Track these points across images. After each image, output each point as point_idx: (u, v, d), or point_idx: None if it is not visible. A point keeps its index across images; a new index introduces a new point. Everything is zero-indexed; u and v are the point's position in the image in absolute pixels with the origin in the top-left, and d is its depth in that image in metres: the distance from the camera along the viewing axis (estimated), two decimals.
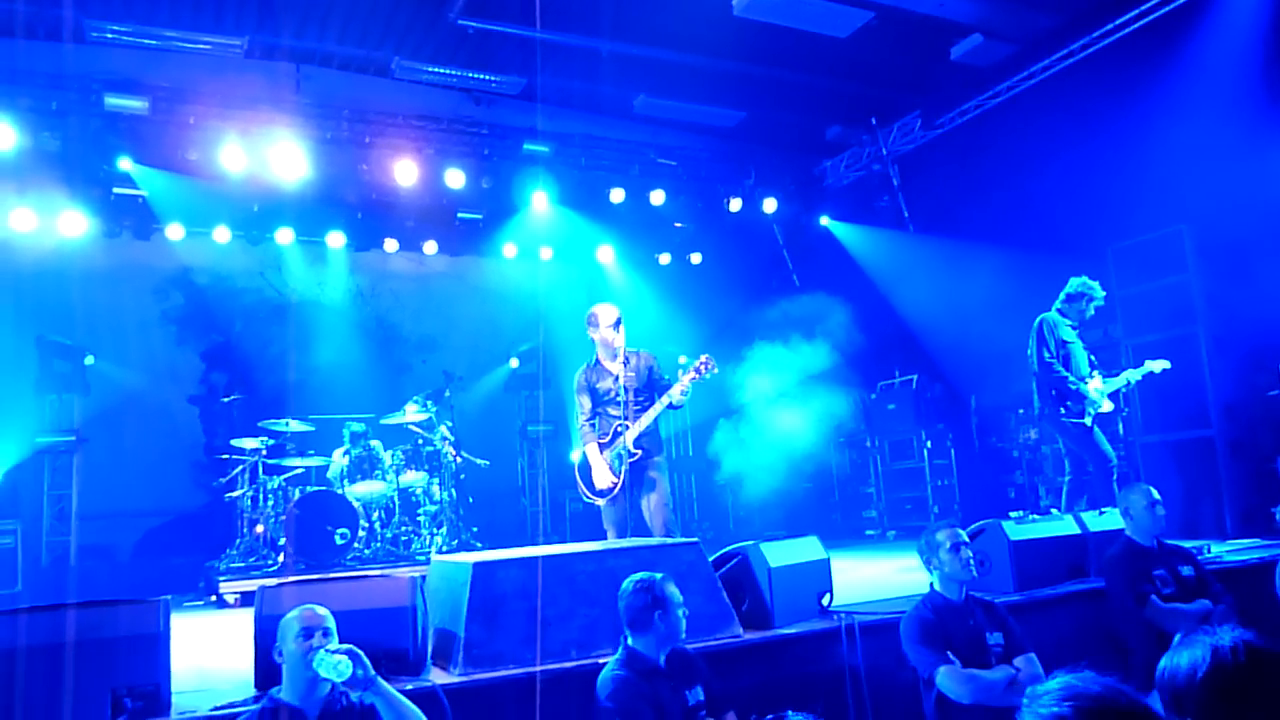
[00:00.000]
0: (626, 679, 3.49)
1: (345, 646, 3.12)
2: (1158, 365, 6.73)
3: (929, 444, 10.47)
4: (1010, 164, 9.21)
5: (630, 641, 3.63)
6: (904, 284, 10.60)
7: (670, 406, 5.65)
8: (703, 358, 5.55)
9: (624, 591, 3.66)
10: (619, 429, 5.64)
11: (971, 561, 4.08)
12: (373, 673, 3.11)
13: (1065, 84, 8.89)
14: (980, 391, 10.27)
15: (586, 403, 5.81)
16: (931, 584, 4.16)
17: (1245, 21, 7.45)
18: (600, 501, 5.70)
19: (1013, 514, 5.91)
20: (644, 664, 3.57)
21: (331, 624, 3.30)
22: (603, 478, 5.62)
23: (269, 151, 8.97)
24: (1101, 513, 5.90)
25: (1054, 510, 6.64)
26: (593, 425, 5.79)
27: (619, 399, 5.58)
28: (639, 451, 5.57)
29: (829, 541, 5.51)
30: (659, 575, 3.70)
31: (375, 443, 8.94)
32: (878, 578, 6.89)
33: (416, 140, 9.69)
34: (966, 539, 4.15)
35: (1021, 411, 9.67)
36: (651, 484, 5.63)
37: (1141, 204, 7.83)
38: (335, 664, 3.05)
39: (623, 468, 5.54)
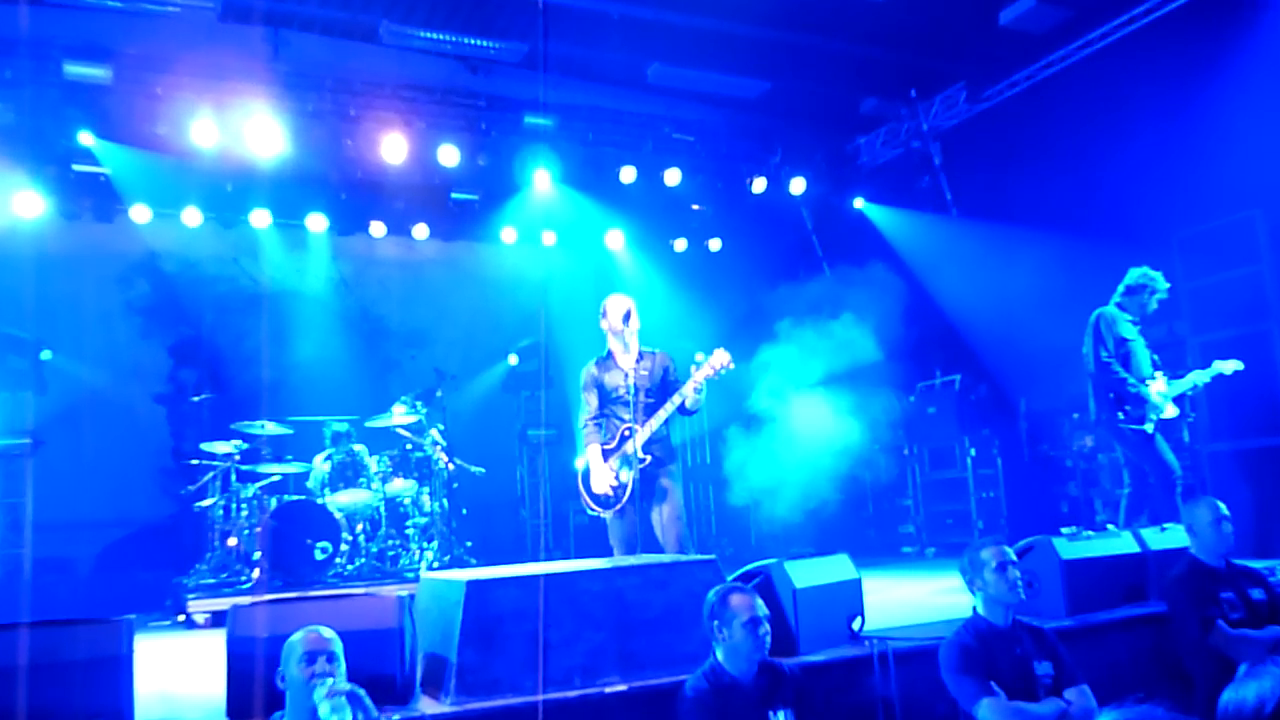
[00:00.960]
0: (699, 693, 3.66)
1: (347, 686, 3.17)
2: (1228, 366, 6.70)
3: (973, 452, 10.45)
4: (1065, 141, 9.18)
5: (714, 654, 3.78)
6: (946, 274, 10.57)
7: (683, 410, 5.66)
8: (717, 353, 5.57)
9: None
10: (626, 433, 5.65)
11: (1019, 582, 4.08)
12: (375, 714, 3.17)
13: (1126, 53, 8.85)
14: (1030, 394, 10.23)
15: (593, 400, 5.83)
16: (974, 607, 4.16)
17: None
18: (606, 514, 5.72)
19: (1065, 530, 5.89)
20: (722, 678, 3.70)
21: (338, 647, 3.38)
22: (600, 482, 5.65)
23: (244, 125, 9.01)
24: (1163, 529, 5.88)
25: (1111, 526, 6.61)
26: (598, 426, 5.81)
27: (628, 399, 5.60)
28: (648, 458, 5.58)
29: (861, 559, 5.51)
30: (731, 584, 3.84)
31: (359, 447, 8.98)
32: (915, 600, 6.89)
33: (406, 113, 9.71)
34: (1014, 557, 4.15)
35: (1076, 416, 9.63)
36: (663, 494, 5.64)
37: (1211, 186, 7.78)
38: (335, 706, 3.08)
39: (631, 477, 5.55)
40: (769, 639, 3.72)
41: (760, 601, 3.76)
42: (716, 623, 3.73)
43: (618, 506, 5.65)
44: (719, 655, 3.74)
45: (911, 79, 10.59)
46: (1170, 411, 6.57)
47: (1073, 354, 6.91)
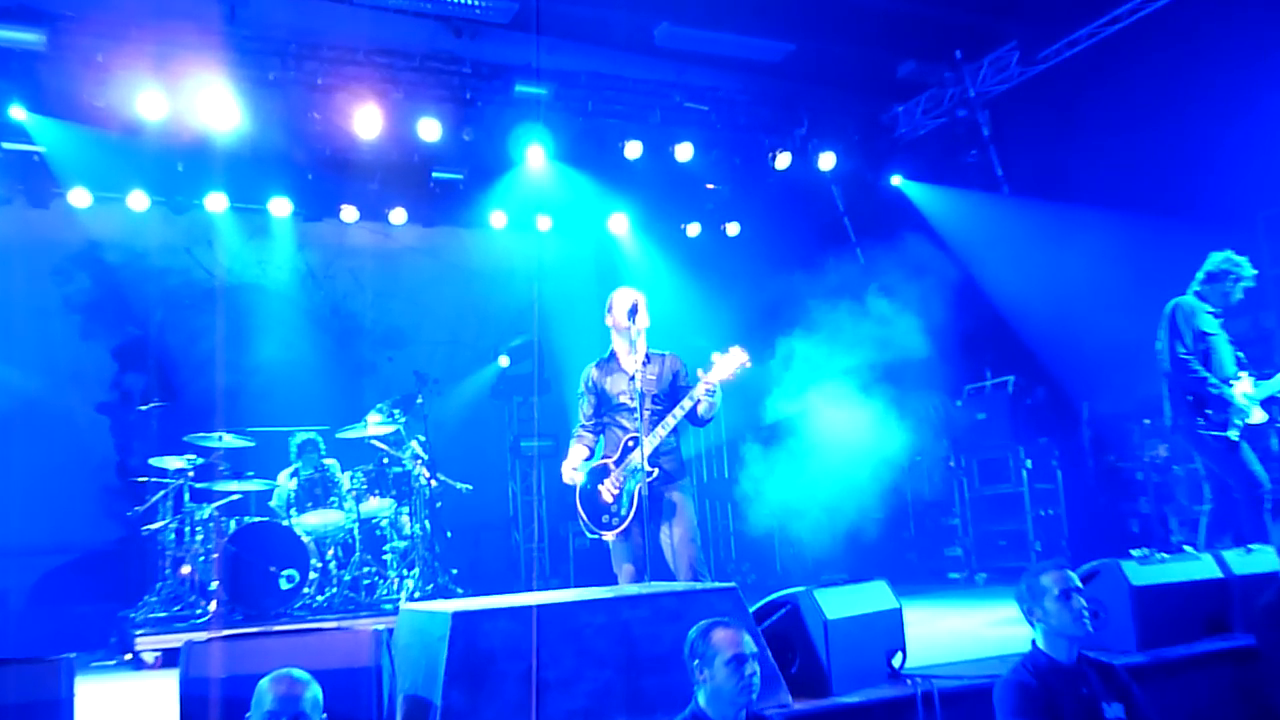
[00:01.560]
0: None
1: None
2: None
3: (1029, 463, 10.42)
4: (1133, 108, 9.14)
5: (696, 698, 3.76)
6: (997, 260, 10.55)
7: (694, 419, 5.66)
8: (733, 351, 5.55)
9: None
10: (630, 443, 5.64)
11: (1085, 613, 4.06)
12: None
13: (1201, 8, 8.81)
14: (1095, 397, 10.20)
15: (589, 406, 5.88)
16: (1033, 641, 4.14)
17: None
18: (609, 536, 5.71)
19: (1136, 552, 5.87)
20: None
21: (315, 693, 3.38)
22: (568, 468, 5.82)
23: (197, 97, 9.02)
24: (1250, 551, 5.85)
25: (1189, 548, 6.58)
26: (593, 433, 5.88)
27: (633, 406, 5.60)
28: (655, 471, 5.58)
29: (902, 587, 5.49)
30: (718, 619, 3.79)
31: (330, 462, 8.98)
32: (964, 632, 6.87)
33: (381, 81, 9.71)
34: (1078, 584, 4.13)
35: (1148, 422, 9.59)
36: (673, 513, 5.63)
37: None
38: None
39: (636, 492, 5.54)
40: (757, 680, 3.69)
41: (748, 638, 3.73)
42: (697, 662, 3.72)
43: (621, 527, 5.64)
44: (700, 700, 3.73)
45: (956, 38, 10.56)
46: (1258, 416, 6.54)
47: (1144, 351, 6.88)
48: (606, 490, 5.72)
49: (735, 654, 3.66)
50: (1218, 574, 5.66)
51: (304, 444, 9.08)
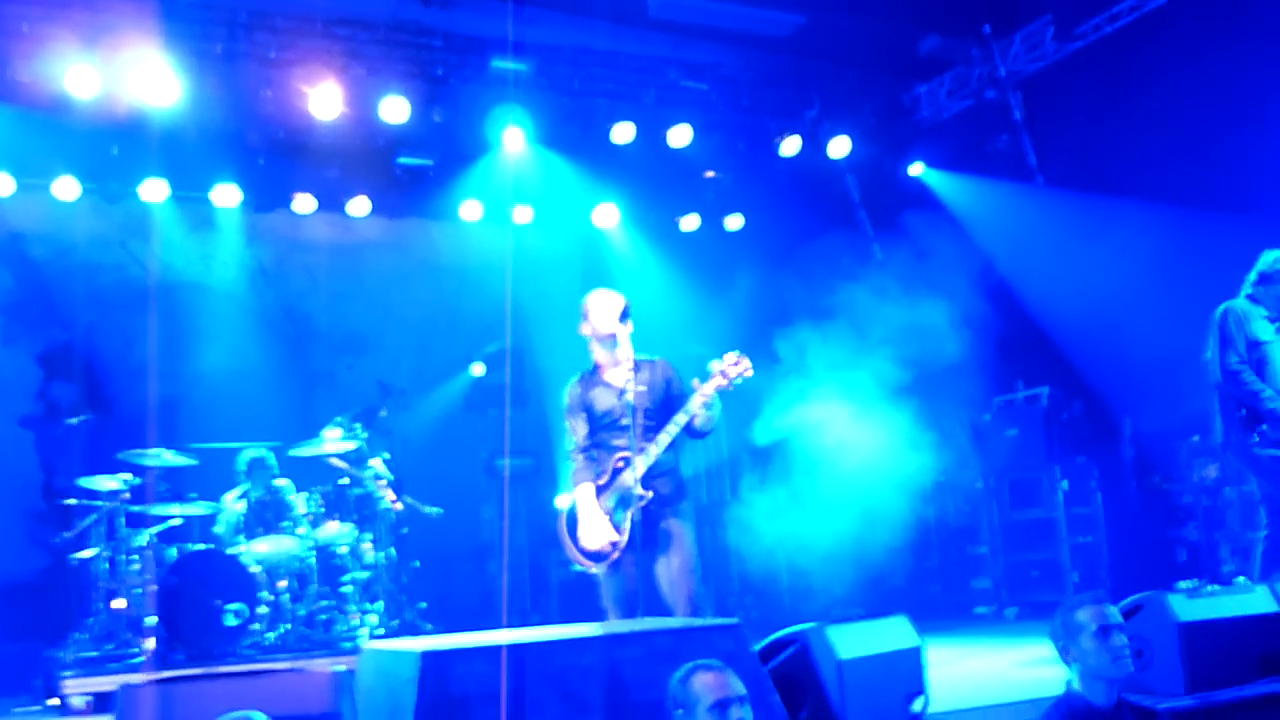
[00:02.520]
0: None
1: None
2: None
3: (1065, 485, 10.46)
4: (1181, 90, 9.19)
5: None
6: (1030, 259, 10.60)
7: (691, 432, 5.67)
8: (730, 356, 5.57)
9: None
10: (621, 464, 5.66)
11: (1126, 651, 4.09)
12: None
13: None
14: (1138, 412, 10.24)
15: (581, 427, 5.84)
16: (1069, 682, 4.17)
17: None
18: (597, 569, 5.72)
19: (1183, 584, 5.91)
20: None
21: None
22: (594, 533, 5.64)
23: (133, 71, 9.01)
24: None
25: (1241, 579, 6.62)
26: (589, 459, 5.82)
27: (624, 423, 5.61)
28: (649, 495, 5.59)
29: (924, 623, 5.51)
30: (702, 662, 3.79)
31: (283, 482, 8.98)
32: (992, 673, 6.90)
33: (341, 55, 9.72)
34: (1119, 620, 4.17)
35: (1197, 439, 9.64)
36: (670, 541, 5.64)
37: None
38: None
39: (628, 518, 5.56)
40: None
41: (736, 681, 3.73)
42: (680, 712, 3.72)
43: (612, 558, 5.65)
44: None
45: (985, 10, 10.61)
46: None
47: (1192, 361, 6.92)
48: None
49: (718, 699, 3.66)
50: (1274, 608, 5.70)
51: (253, 462, 9.07)
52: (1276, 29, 8.60)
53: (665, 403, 5.79)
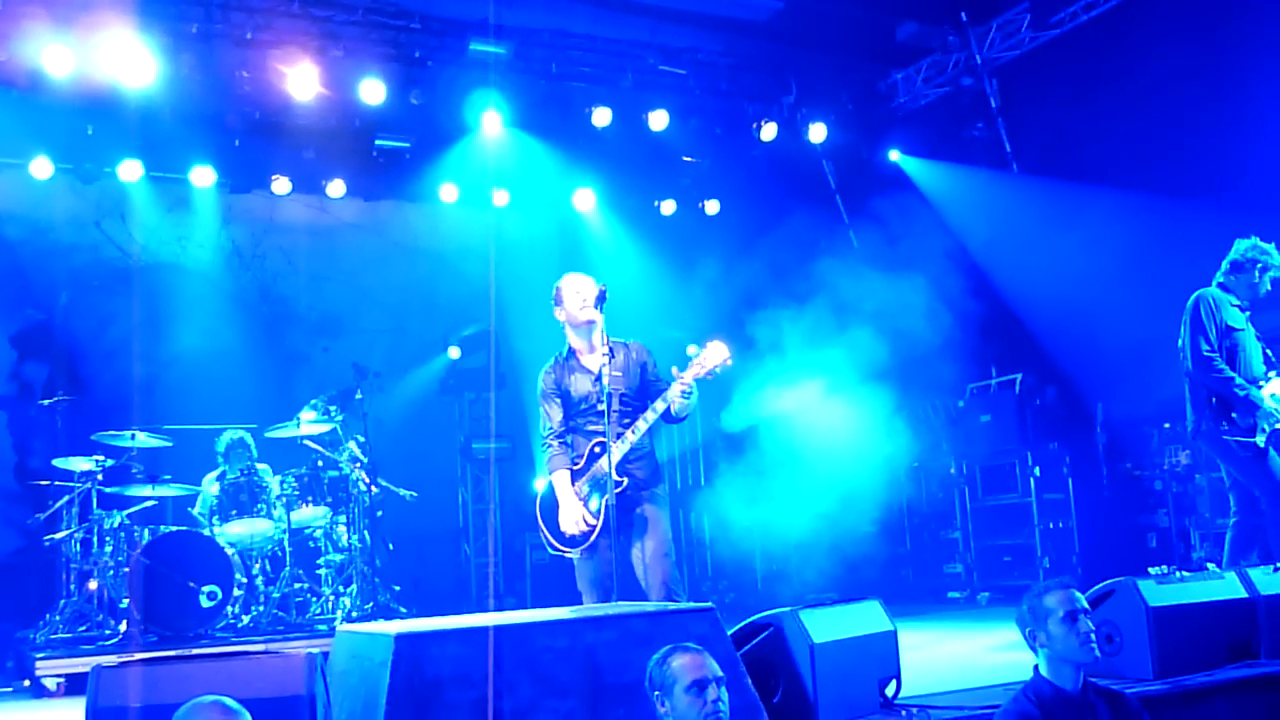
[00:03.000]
0: None
1: None
2: None
3: (1037, 471, 10.51)
4: (1155, 79, 9.23)
5: None
6: (1005, 245, 10.63)
7: (667, 417, 5.67)
8: (711, 345, 5.56)
9: None
10: (597, 449, 5.65)
11: (1093, 636, 4.11)
12: None
13: None
14: (1110, 398, 10.30)
15: (556, 413, 5.83)
16: (1036, 667, 4.19)
17: None
18: (573, 553, 5.73)
19: (1153, 570, 5.93)
20: None
21: None
22: (571, 518, 5.65)
23: (109, 51, 8.95)
24: (1276, 569, 5.93)
25: (1212, 565, 6.67)
26: (564, 444, 5.81)
27: (599, 408, 5.60)
28: (625, 480, 5.59)
29: (897, 608, 5.53)
30: (679, 644, 3.80)
31: (262, 467, 8.93)
32: (964, 657, 6.94)
33: (319, 37, 9.67)
34: (1086, 605, 4.18)
35: (1168, 426, 9.70)
36: (645, 525, 5.65)
37: None
38: None
39: (603, 504, 5.56)
40: (724, 707, 3.71)
41: (712, 662, 3.74)
42: (658, 693, 3.72)
43: (587, 543, 5.65)
44: None
45: None
46: None
47: (1164, 348, 6.95)
48: None
49: (695, 679, 3.67)
50: (1243, 594, 5.73)
51: (233, 444, 9.03)
52: (1249, 19, 8.64)
53: (641, 387, 5.79)
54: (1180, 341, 6.76)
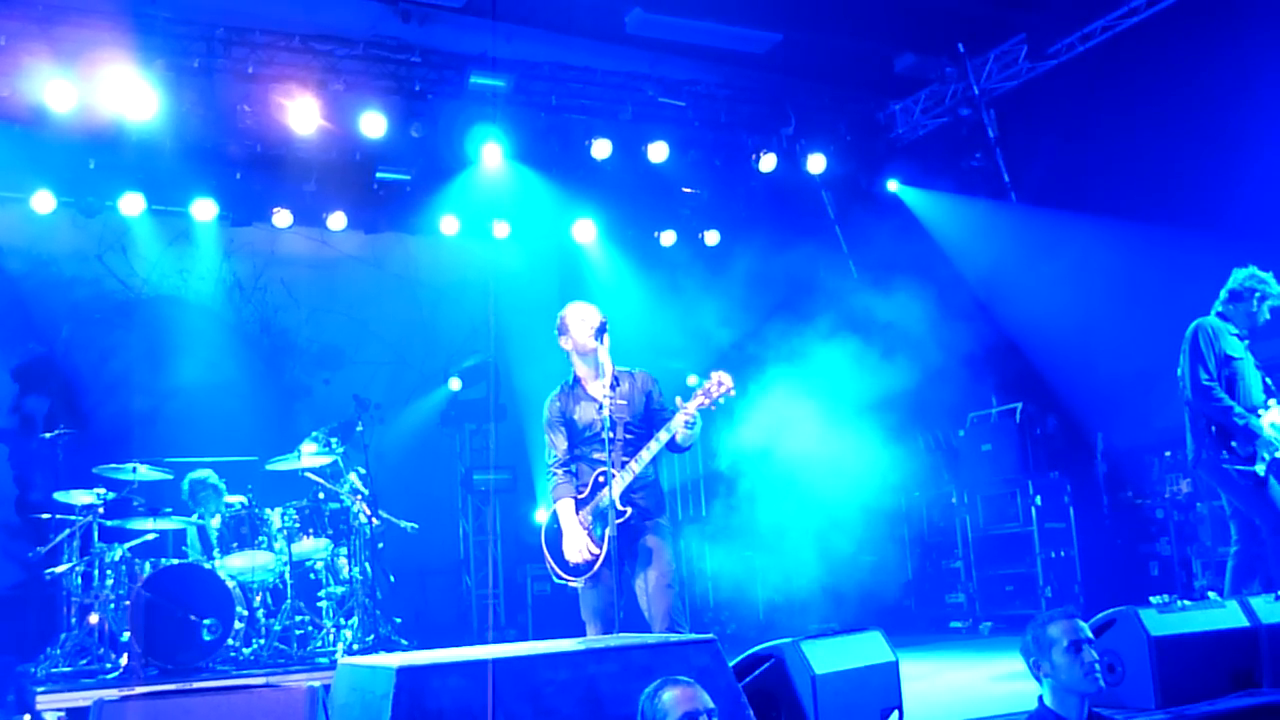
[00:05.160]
0: None
1: None
2: None
3: (1038, 500, 10.50)
4: (1152, 110, 9.27)
5: None
6: (1004, 275, 10.65)
7: (673, 446, 5.67)
8: (715, 376, 5.58)
9: None
10: (601, 478, 5.66)
11: (1097, 666, 4.11)
12: None
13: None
14: (1111, 427, 10.30)
15: (561, 442, 5.84)
16: (1040, 697, 4.19)
17: None
18: (576, 582, 5.72)
19: (1155, 599, 5.94)
20: None
21: None
22: (576, 548, 5.65)
23: (111, 85, 9.00)
24: (1278, 598, 5.93)
25: (1213, 594, 6.66)
26: (568, 473, 5.82)
27: (604, 436, 5.61)
28: (629, 510, 5.60)
29: (899, 638, 5.53)
30: (671, 677, 3.78)
31: (234, 499, 8.90)
32: (966, 687, 6.92)
33: (320, 70, 9.74)
34: (1089, 635, 4.18)
35: (1169, 455, 9.70)
36: (649, 556, 5.64)
37: None
38: None
39: (607, 534, 5.56)
40: None
41: (704, 695, 3.72)
42: None
43: (591, 572, 5.65)
44: None
45: (959, 30, 10.68)
46: None
47: (1164, 377, 6.97)
48: None
49: (687, 711, 3.65)
50: (1245, 623, 5.73)
51: (195, 485, 8.97)
52: (1244, 51, 8.69)
53: (646, 416, 5.79)
54: (1180, 370, 6.77)
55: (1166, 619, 5.52)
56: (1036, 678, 4.19)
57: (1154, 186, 9.17)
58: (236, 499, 8.88)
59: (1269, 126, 8.41)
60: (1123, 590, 8.90)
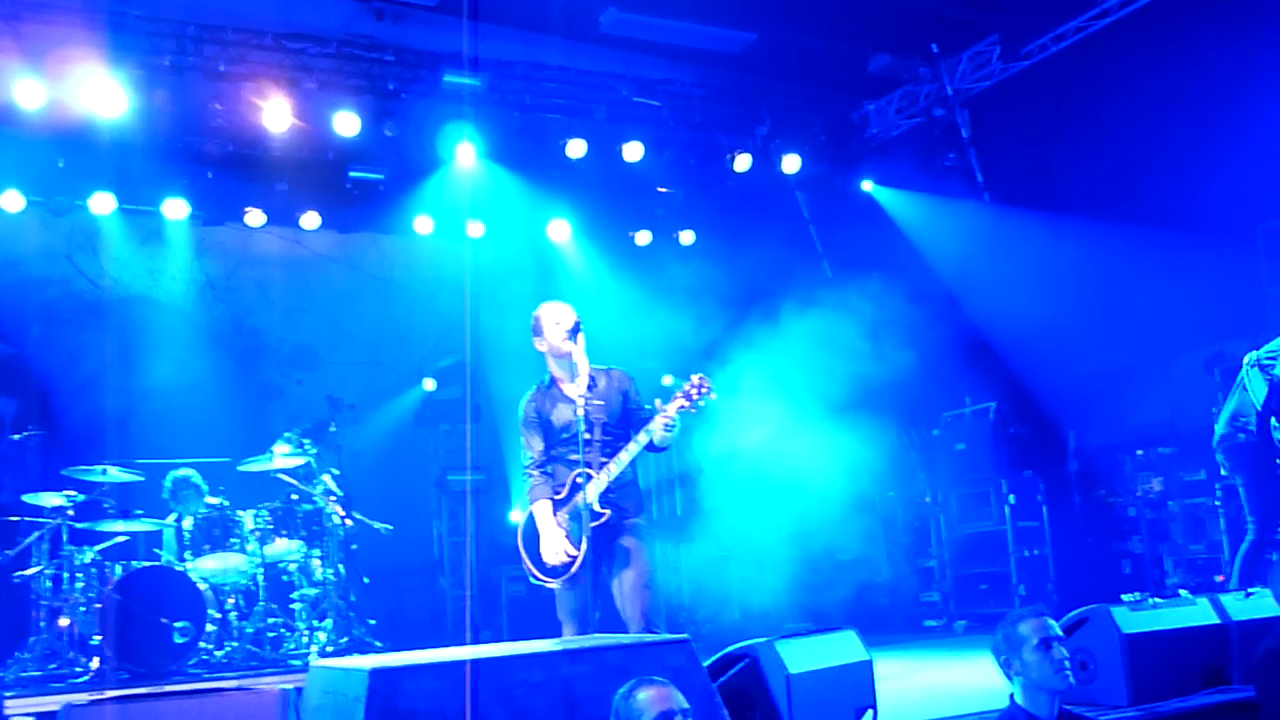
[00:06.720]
0: None
1: None
2: None
3: (1012, 499, 10.56)
4: (1124, 110, 9.34)
5: None
6: (978, 274, 10.71)
7: (651, 447, 5.68)
8: (695, 378, 5.59)
9: None
10: (579, 479, 5.66)
11: (1067, 663, 4.14)
12: None
13: (1199, 2, 9.02)
14: (1083, 426, 10.37)
15: (537, 443, 5.84)
16: (1012, 695, 4.22)
17: None
18: (553, 583, 5.73)
19: (1127, 597, 5.98)
20: None
21: None
22: (553, 549, 5.65)
23: (80, 83, 8.94)
24: (1248, 595, 5.98)
25: (1184, 591, 6.72)
26: (545, 474, 5.82)
27: (580, 437, 5.61)
28: (607, 512, 5.60)
29: (873, 637, 5.55)
30: (646, 678, 3.79)
31: (214, 500, 8.87)
32: (941, 686, 6.96)
33: (292, 69, 9.69)
34: (1060, 633, 4.22)
35: (1141, 453, 9.77)
36: (626, 557, 5.65)
37: None
38: None
39: (584, 535, 5.56)
40: None
41: (679, 695, 3.74)
42: None
43: (569, 574, 5.65)
44: None
45: (933, 30, 10.71)
46: None
47: (1136, 376, 7.03)
48: None
49: (661, 711, 3.67)
50: (1215, 620, 5.78)
51: (178, 484, 8.93)
52: (1216, 53, 8.76)
53: (624, 416, 5.80)
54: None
55: (1138, 616, 5.56)
56: (1008, 676, 4.22)
57: (1126, 186, 9.24)
58: (218, 500, 8.85)
59: (1239, 127, 8.48)
60: (1095, 588, 8.96)
